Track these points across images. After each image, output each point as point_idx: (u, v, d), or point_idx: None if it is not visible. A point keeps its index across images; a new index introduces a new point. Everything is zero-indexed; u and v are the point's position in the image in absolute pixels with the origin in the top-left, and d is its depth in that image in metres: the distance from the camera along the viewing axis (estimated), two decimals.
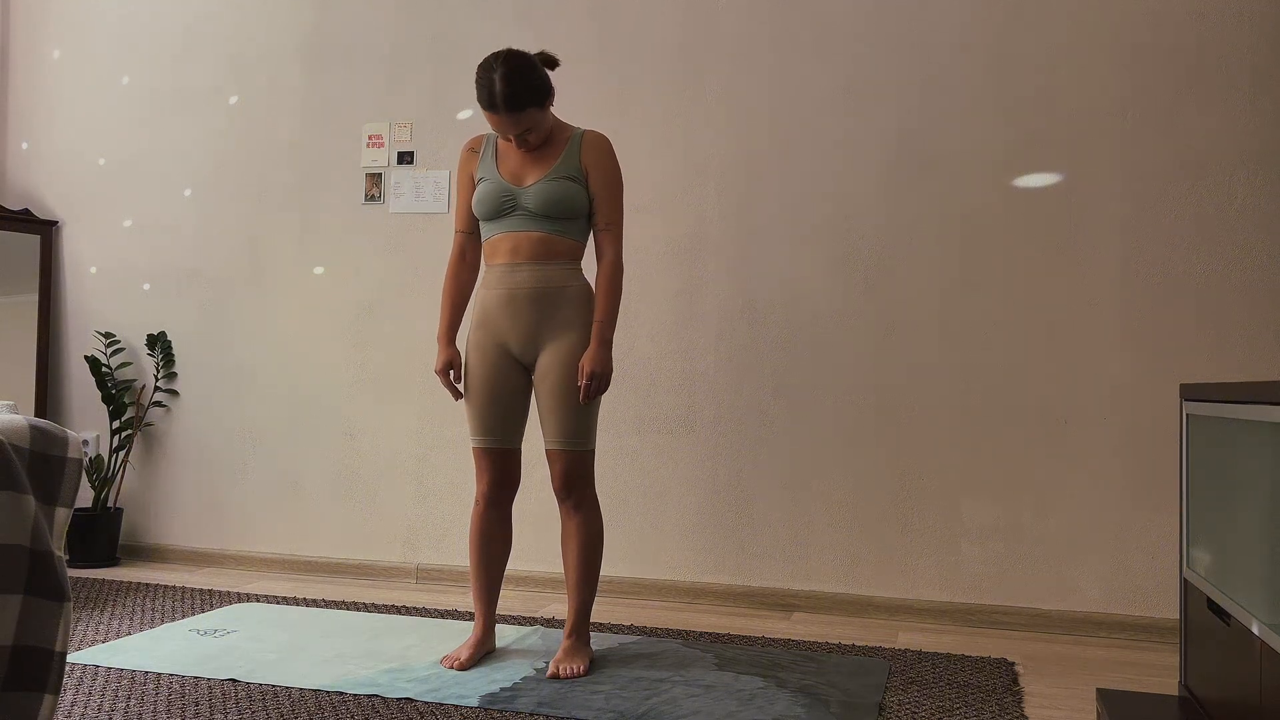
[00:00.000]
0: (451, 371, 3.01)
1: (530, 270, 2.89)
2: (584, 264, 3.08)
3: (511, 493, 3.03)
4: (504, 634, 3.27)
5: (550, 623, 3.47)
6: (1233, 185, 3.39)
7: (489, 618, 3.04)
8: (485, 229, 2.98)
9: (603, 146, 2.95)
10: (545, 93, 2.82)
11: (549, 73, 2.96)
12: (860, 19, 3.75)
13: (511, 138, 2.85)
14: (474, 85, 2.83)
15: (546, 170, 2.89)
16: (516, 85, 2.75)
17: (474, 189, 2.99)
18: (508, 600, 3.84)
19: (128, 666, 2.86)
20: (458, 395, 3.00)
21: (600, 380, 2.85)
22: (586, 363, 2.84)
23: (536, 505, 3.99)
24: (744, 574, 3.81)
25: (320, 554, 4.27)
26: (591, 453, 2.95)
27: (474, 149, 3.03)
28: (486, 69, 2.79)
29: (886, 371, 3.69)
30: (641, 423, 3.92)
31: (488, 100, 2.78)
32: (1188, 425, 2.38)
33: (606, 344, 2.87)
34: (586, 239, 3.00)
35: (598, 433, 3.95)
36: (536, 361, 2.92)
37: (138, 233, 4.58)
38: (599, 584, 3.89)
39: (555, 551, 3.96)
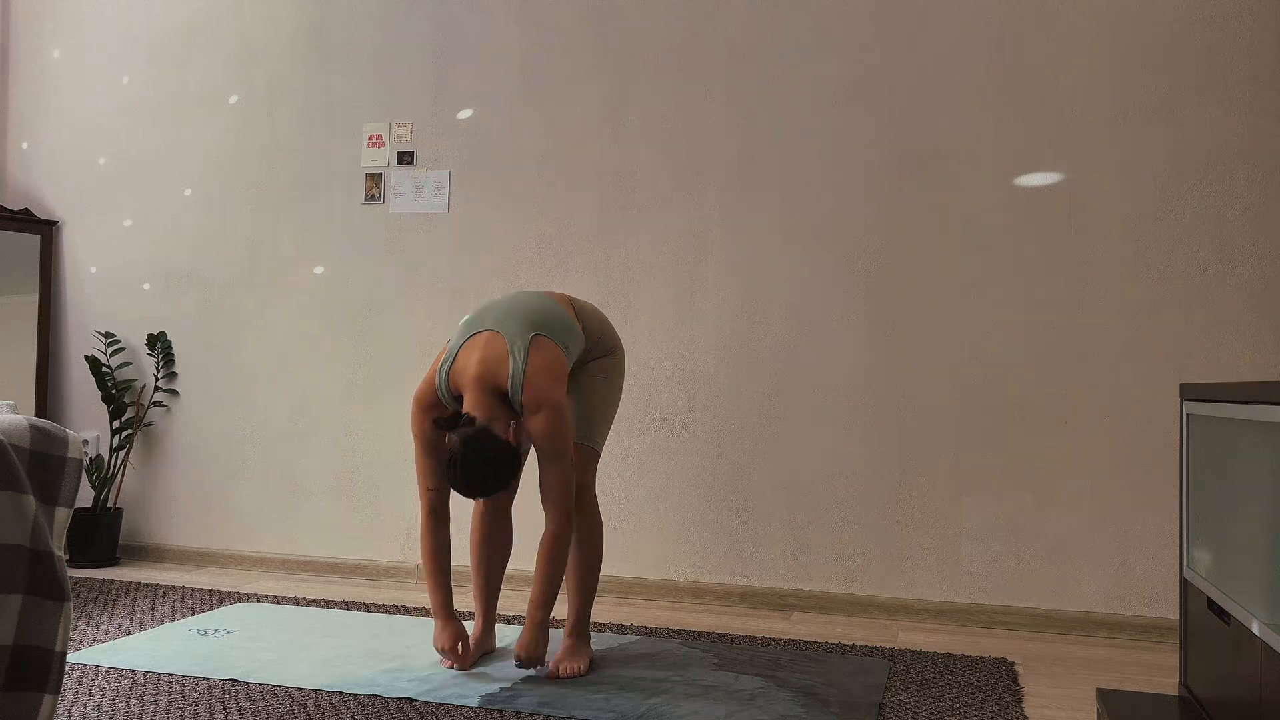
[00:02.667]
0: (460, 645, 2.88)
1: None
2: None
3: (511, 495, 3.04)
4: (504, 634, 3.27)
5: (550, 622, 3.47)
6: (1233, 185, 3.39)
7: (489, 617, 3.05)
8: None
9: (531, 422, 2.74)
10: (515, 466, 2.72)
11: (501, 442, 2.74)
12: (860, 19, 3.75)
13: None
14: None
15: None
16: (500, 486, 2.71)
17: (433, 450, 2.89)
18: (508, 600, 3.84)
19: (128, 666, 2.86)
20: (468, 666, 2.90)
21: (534, 664, 2.78)
22: (520, 648, 2.77)
23: (537, 506, 3.98)
24: (744, 574, 3.81)
25: (320, 554, 4.27)
26: (596, 454, 2.95)
27: (428, 406, 2.87)
28: (467, 494, 2.71)
29: (886, 371, 3.69)
30: (641, 423, 3.92)
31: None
32: (1188, 425, 2.38)
33: (539, 627, 2.78)
34: (582, 338, 2.96)
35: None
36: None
37: (138, 233, 4.58)
38: (599, 584, 3.90)
39: None
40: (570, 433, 2.81)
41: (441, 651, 2.88)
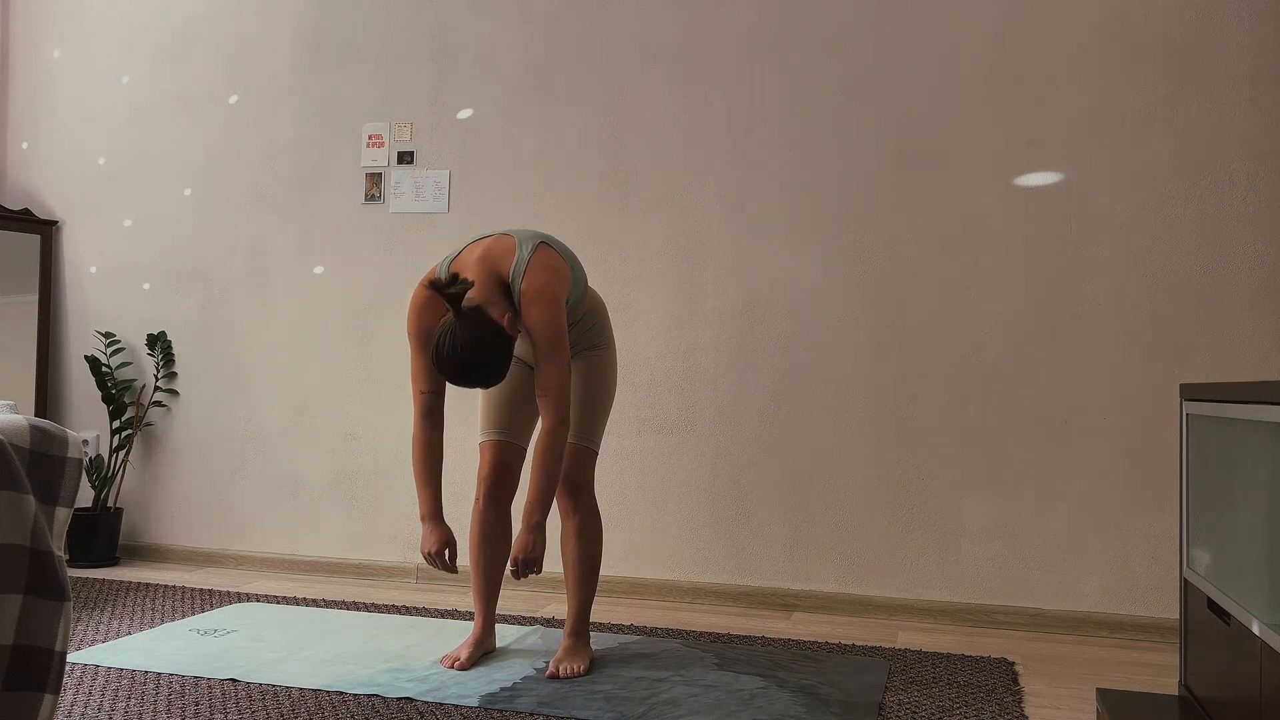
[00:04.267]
0: (447, 551, 2.81)
1: None
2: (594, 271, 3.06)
3: (511, 491, 3.03)
4: (504, 634, 3.27)
5: (550, 622, 3.47)
6: (1233, 184, 3.39)
7: (489, 617, 3.05)
8: None
9: (532, 310, 2.70)
10: (508, 348, 2.64)
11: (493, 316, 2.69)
12: (861, 19, 3.75)
13: None
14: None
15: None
16: (490, 375, 2.61)
17: (428, 351, 2.80)
18: (508, 600, 3.84)
19: (128, 666, 2.86)
20: (455, 570, 2.85)
21: (528, 566, 2.69)
22: (515, 548, 2.69)
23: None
24: (744, 574, 3.81)
25: (320, 554, 4.27)
26: (594, 454, 2.95)
27: (425, 305, 2.80)
28: (453, 379, 2.60)
29: (887, 371, 3.69)
30: (641, 423, 3.92)
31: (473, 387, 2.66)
32: (1188, 425, 2.38)
33: (537, 530, 2.68)
34: (583, 289, 2.91)
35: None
36: None
37: (138, 233, 4.58)
38: (599, 584, 3.90)
39: (555, 552, 3.96)
40: (566, 331, 2.74)
41: (427, 557, 2.79)
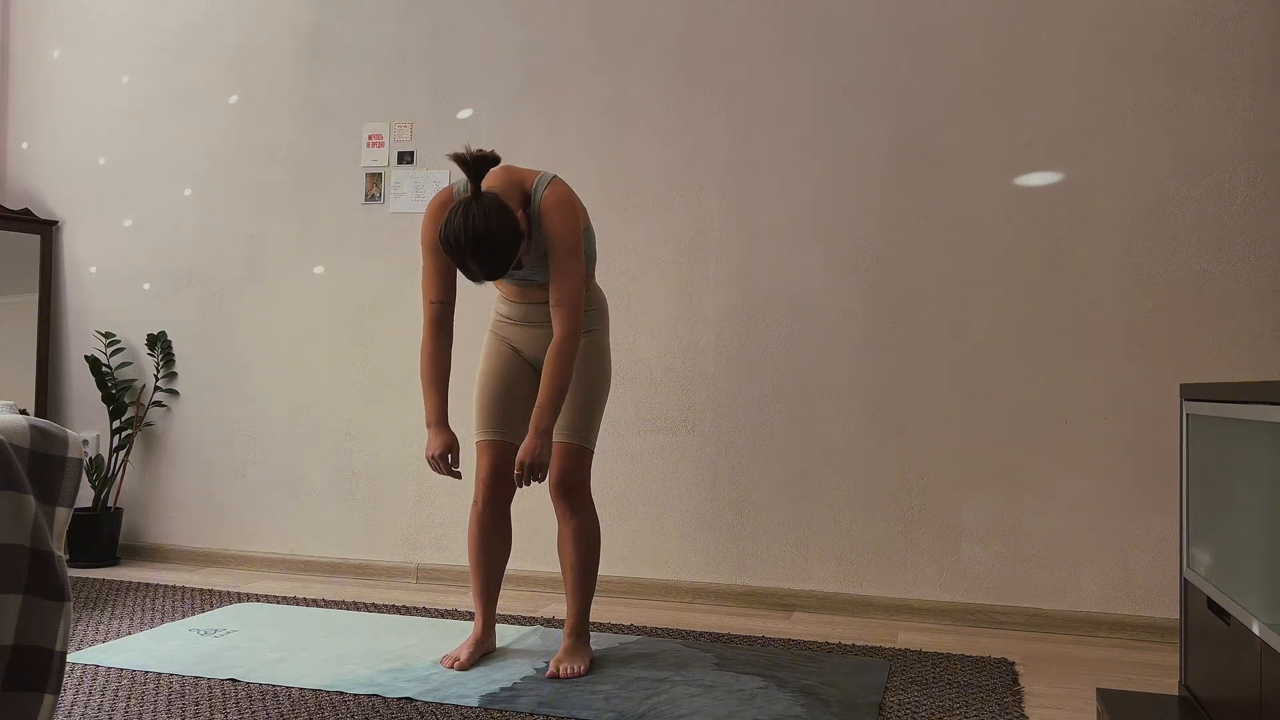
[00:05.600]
0: (450, 455, 2.82)
1: (544, 305, 2.93)
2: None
3: (510, 492, 3.01)
4: (504, 634, 3.27)
5: (550, 622, 3.47)
6: (1233, 184, 3.39)
7: (489, 617, 3.04)
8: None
9: (551, 214, 2.74)
10: (517, 242, 2.62)
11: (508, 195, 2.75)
12: (860, 18, 3.74)
13: None
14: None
15: (529, 249, 2.79)
16: (495, 263, 2.60)
17: (440, 261, 2.84)
18: (508, 600, 3.84)
19: (128, 666, 2.86)
20: (459, 475, 2.87)
21: (535, 472, 2.70)
22: (522, 453, 2.70)
23: (536, 505, 3.99)
24: (744, 574, 3.81)
25: (320, 554, 4.27)
26: (590, 453, 2.94)
27: (438, 211, 2.84)
28: (457, 255, 2.59)
29: (887, 371, 3.69)
30: (642, 423, 3.92)
31: (470, 276, 2.64)
32: (1188, 425, 2.38)
33: (545, 435, 2.70)
34: (594, 267, 3.01)
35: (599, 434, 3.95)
36: (545, 359, 2.92)
37: (138, 233, 4.58)
38: (598, 584, 3.90)
39: (554, 552, 3.96)
40: (582, 244, 2.78)
41: (431, 461, 2.80)
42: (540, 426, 2.70)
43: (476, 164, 2.61)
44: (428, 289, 2.84)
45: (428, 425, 2.84)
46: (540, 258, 2.83)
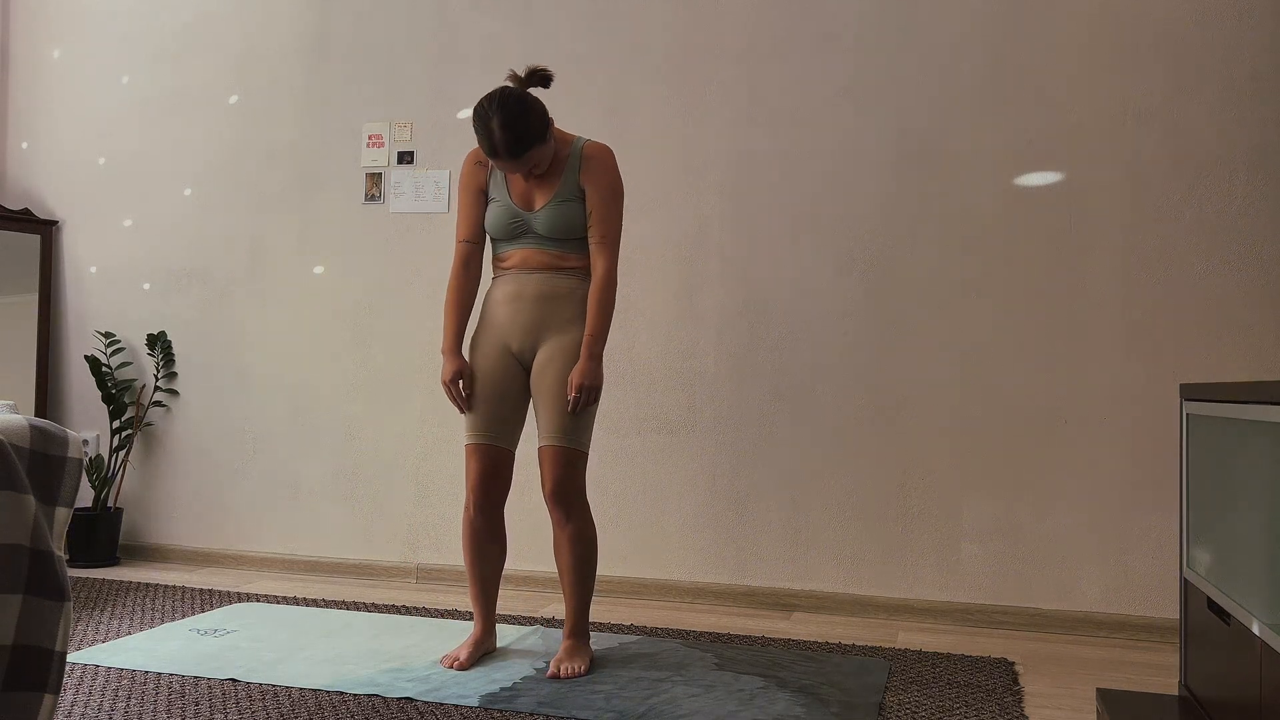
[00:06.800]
0: (461, 381, 2.95)
1: (539, 277, 2.93)
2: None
3: (502, 496, 2.99)
4: (504, 634, 3.27)
5: (550, 622, 3.47)
6: (1233, 185, 3.39)
7: (489, 618, 3.04)
8: (497, 246, 3.02)
9: (600, 160, 2.92)
10: (545, 128, 2.81)
11: (544, 89, 3.02)
12: (861, 17, 3.75)
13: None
14: (473, 110, 2.78)
15: (551, 193, 2.91)
16: (517, 131, 2.75)
17: (483, 203, 3.00)
18: (508, 600, 3.84)
19: (128, 666, 2.86)
20: (465, 406, 2.95)
21: (589, 393, 2.84)
22: (575, 375, 2.83)
23: (536, 504, 3.99)
24: (744, 574, 3.81)
25: (320, 554, 4.27)
26: (584, 456, 2.91)
27: (481, 161, 3.01)
28: (483, 118, 2.76)
29: (887, 371, 3.69)
30: (641, 423, 3.92)
31: (489, 149, 2.78)
32: (1188, 425, 2.38)
33: (596, 359, 2.85)
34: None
35: (595, 435, 3.95)
36: (535, 357, 2.92)
37: (138, 232, 4.58)
38: (598, 583, 3.90)
39: (548, 554, 3.96)
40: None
41: (445, 387, 2.95)
42: (593, 351, 2.86)
43: (528, 76, 2.92)
44: (460, 227, 3.03)
45: (442, 352, 3.00)
46: (564, 202, 2.89)
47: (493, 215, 2.96)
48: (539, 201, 2.91)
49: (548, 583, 3.98)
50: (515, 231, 2.94)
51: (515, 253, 2.96)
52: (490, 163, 2.93)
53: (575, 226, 2.91)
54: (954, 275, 3.64)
